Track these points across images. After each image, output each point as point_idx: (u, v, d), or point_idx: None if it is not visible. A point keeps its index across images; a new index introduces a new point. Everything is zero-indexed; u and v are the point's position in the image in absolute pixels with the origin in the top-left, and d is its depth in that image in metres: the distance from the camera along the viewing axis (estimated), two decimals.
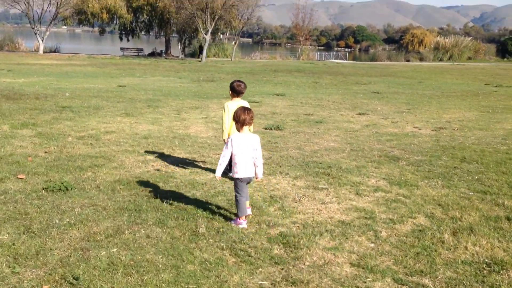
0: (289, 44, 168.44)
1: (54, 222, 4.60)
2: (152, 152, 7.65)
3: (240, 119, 4.68)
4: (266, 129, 10.15)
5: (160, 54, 56.37)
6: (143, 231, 4.45)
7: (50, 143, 7.95)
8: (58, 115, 10.84)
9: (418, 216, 4.97)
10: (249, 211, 4.74)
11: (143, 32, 62.16)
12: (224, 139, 6.24)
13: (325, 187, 5.95)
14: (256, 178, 4.81)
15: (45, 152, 7.37)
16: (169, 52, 57.71)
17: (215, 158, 7.42)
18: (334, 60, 60.54)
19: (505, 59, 76.97)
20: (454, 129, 10.63)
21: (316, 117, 12.08)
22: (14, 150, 7.40)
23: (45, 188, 5.55)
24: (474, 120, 12.10)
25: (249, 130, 4.88)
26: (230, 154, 4.72)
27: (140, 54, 55.80)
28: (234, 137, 4.72)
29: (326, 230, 4.55)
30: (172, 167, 6.83)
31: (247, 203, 4.72)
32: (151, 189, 5.72)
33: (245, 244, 4.24)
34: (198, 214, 4.91)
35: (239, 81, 6.31)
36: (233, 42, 63.96)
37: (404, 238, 4.41)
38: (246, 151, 4.69)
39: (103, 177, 6.17)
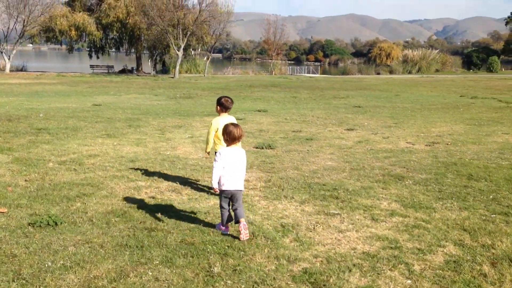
0: (259, 59, 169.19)
1: (46, 265, 4.05)
2: (143, 177, 7.12)
3: (231, 135, 4.79)
4: (257, 148, 9.72)
5: (131, 71, 55.54)
6: (150, 273, 3.94)
7: (30, 170, 7.33)
8: (34, 138, 10.18)
9: (447, 245, 4.61)
10: (243, 224, 4.73)
11: (113, 49, 61.34)
12: (207, 152, 6.45)
13: (337, 213, 5.55)
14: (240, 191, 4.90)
15: (26, 181, 6.75)
16: (140, 68, 56.94)
17: (210, 182, 6.93)
18: (306, 74, 60.78)
19: (471, 70, 78.93)
20: (447, 144, 10.42)
21: (305, 134, 11.73)
22: None
23: (32, 224, 4.97)
24: (464, 134, 11.95)
25: (237, 145, 4.95)
26: (221, 167, 4.78)
27: (110, 71, 54.86)
28: (223, 151, 4.83)
29: (354, 265, 4.13)
30: (167, 193, 6.32)
31: (243, 219, 4.75)
32: (150, 220, 5.21)
33: (268, 285, 3.78)
34: (209, 250, 4.43)
35: (226, 97, 6.30)
36: (205, 58, 63.68)
37: (441, 271, 4.02)
38: (235, 165, 4.81)
39: (94, 207, 5.61)
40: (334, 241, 4.70)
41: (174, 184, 6.79)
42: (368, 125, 13.38)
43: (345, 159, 8.72)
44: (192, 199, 6.05)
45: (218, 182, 4.82)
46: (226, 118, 6.04)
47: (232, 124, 4.96)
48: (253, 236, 4.78)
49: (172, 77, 44.13)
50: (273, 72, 60.69)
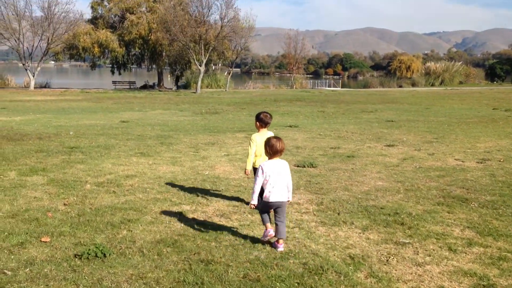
0: (278, 73, 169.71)
1: None
2: (186, 200, 6.70)
3: (274, 148, 4.85)
4: (298, 166, 9.25)
5: (152, 87, 55.81)
6: None
7: (67, 193, 6.97)
8: (67, 157, 9.86)
9: None
10: (280, 247, 4.83)
11: (134, 65, 61.77)
12: (247, 169, 6.28)
13: (407, 242, 5.03)
14: (288, 202, 5.03)
15: (65, 205, 6.39)
16: (161, 84, 57.18)
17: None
18: (327, 88, 60.33)
19: (494, 82, 77.54)
20: (500, 161, 9.82)
21: (344, 150, 11.23)
22: (29, 203, 6.40)
23: (78, 255, 4.56)
24: None
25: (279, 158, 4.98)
26: (262, 182, 4.86)
27: (132, 87, 55.22)
28: (265, 164, 4.89)
29: None
30: (216, 219, 5.88)
31: (282, 241, 4.88)
32: (204, 251, 4.76)
33: None
34: (277, 287, 3.96)
35: (265, 112, 6.27)
36: (226, 73, 63.72)
37: None
38: (279, 176, 4.86)
39: (142, 236, 5.20)
40: (415, 277, 4.19)
41: (221, 207, 6.35)
42: (408, 141, 12.82)
43: (395, 178, 8.19)
44: (244, 226, 5.60)
45: (264, 196, 4.88)
46: (265, 134, 6.01)
47: (275, 137, 5.03)
48: (322, 270, 4.30)
49: (194, 92, 44.09)
50: (294, 86, 60.42)
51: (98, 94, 40.18)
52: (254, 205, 4.92)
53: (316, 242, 5.06)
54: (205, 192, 7.17)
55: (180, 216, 5.95)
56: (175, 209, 6.27)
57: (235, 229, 5.46)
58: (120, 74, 58.11)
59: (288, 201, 5.00)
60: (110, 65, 58.90)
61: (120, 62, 55.47)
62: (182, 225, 5.62)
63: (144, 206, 6.36)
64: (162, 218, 5.84)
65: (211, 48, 45.60)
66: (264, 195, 4.86)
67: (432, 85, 68.46)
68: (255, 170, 5.65)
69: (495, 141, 12.77)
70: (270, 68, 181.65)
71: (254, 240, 5.09)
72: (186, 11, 46.45)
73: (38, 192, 7.03)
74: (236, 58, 53.15)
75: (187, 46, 44.54)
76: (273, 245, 4.89)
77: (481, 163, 9.62)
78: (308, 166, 9.20)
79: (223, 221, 5.78)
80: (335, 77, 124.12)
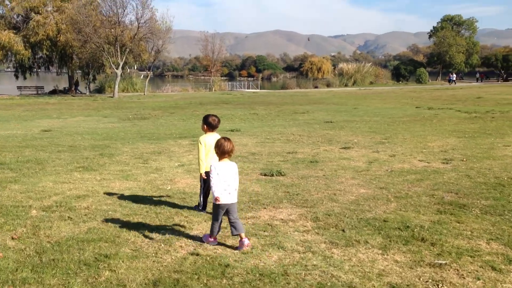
0: (192, 76, 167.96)
1: None
2: (162, 224, 5.71)
3: (222, 149, 4.89)
4: (266, 175, 8.50)
5: (63, 91, 52.36)
6: None
7: (12, 223, 5.70)
8: None
9: None
10: (246, 241, 4.88)
11: (41, 69, 57.67)
12: (201, 173, 6.13)
13: (443, 262, 4.45)
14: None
15: (14, 239, 5.16)
16: (73, 88, 53.82)
17: (252, 222, 5.68)
18: (247, 90, 60.17)
19: (400, 82, 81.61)
20: (463, 160, 9.71)
21: (302, 155, 10.64)
22: None
23: None
24: (466, 148, 11.35)
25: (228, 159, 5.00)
26: (218, 177, 4.84)
27: (40, 92, 51.49)
28: (216, 165, 4.91)
29: None
30: (209, 246, 4.98)
31: (243, 235, 4.92)
32: None
33: None
34: None
35: (213, 115, 6.29)
36: (142, 76, 61.58)
37: None
38: (229, 178, 4.88)
39: (130, 277, 4.18)
40: None
41: (208, 230, 5.44)
42: (360, 142, 12.51)
43: (376, 184, 7.70)
44: (248, 254, 4.74)
45: (215, 199, 4.85)
46: (213, 136, 6.01)
47: (224, 138, 5.05)
48: None
49: (112, 97, 41.82)
50: (213, 89, 59.52)
51: (4, 100, 36.82)
52: (219, 198, 4.82)
53: (342, 270, 4.33)
54: (179, 212, 6.21)
55: (165, 246, 4.98)
56: (154, 236, 5.27)
57: (240, 260, 4.59)
58: (25, 78, 53.93)
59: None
60: (14, 69, 54.54)
61: (26, 65, 51.40)
62: (173, 257, 4.66)
63: (116, 235, 5.29)
64: (144, 250, 4.84)
65: (127, 50, 43.53)
66: (216, 197, 4.80)
67: (346, 85, 70.50)
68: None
69: (443, 139, 12.81)
70: (183, 70, 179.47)
71: (270, 271, 4.27)
72: (99, 10, 44.04)
73: None
74: (154, 60, 51.30)
75: (101, 48, 42.16)
76: (238, 247, 4.86)
77: (447, 163, 9.43)
78: (276, 175, 8.48)
79: (219, 250, 4.89)
80: (249, 79, 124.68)
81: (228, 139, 4.99)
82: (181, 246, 4.97)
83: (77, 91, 52.00)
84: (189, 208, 6.41)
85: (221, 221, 5.01)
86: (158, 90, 57.42)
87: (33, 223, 5.70)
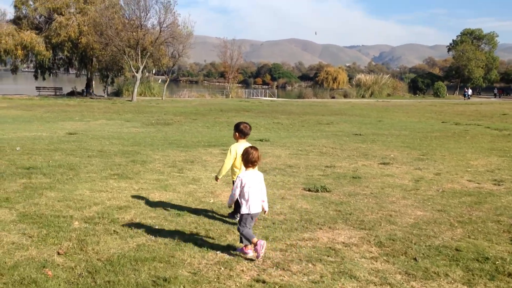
0: (206, 82, 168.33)
1: None
2: (214, 243, 5.31)
3: (249, 158, 4.91)
4: (310, 190, 8.08)
5: (81, 93, 52.42)
6: None
7: (55, 235, 5.34)
8: (28, 181, 8.06)
9: None
10: (263, 242, 4.83)
11: (61, 70, 57.86)
12: (218, 178, 6.17)
13: None
14: (264, 212, 5.19)
15: (60, 254, 4.79)
16: (91, 91, 53.88)
17: (311, 245, 5.26)
18: (264, 98, 59.90)
19: (417, 95, 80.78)
20: None
21: (342, 169, 10.21)
22: (11, 254, 4.74)
23: None
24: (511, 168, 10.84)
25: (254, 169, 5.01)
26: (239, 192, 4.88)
27: (58, 93, 51.64)
28: (243, 175, 4.91)
29: None
30: (273, 272, 4.56)
31: (254, 239, 4.84)
32: None
33: None
34: None
35: (245, 123, 6.27)
36: (160, 81, 61.69)
37: None
38: (256, 188, 4.90)
39: None
40: None
41: (270, 254, 5.02)
42: (397, 158, 12.04)
43: (432, 206, 7.23)
44: (320, 284, 4.32)
45: (241, 207, 4.93)
46: (244, 145, 5.89)
47: (251, 147, 5.08)
48: None
49: (130, 101, 41.74)
50: (230, 96, 59.31)
51: (24, 101, 36.85)
52: (230, 205, 5.27)
53: None
54: (230, 230, 5.80)
55: (225, 270, 4.57)
56: (210, 257, 4.87)
57: (310, 287, 4.17)
58: (44, 79, 54.12)
59: (264, 211, 5.15)
60: (33, 69, 54.76)
61: (46, 66, 51.59)
62: (237, 283, 4.26)
63: (169, 254, 4.90)
64: (204, 274, 4.44)
65: (148, 54, 43.48)
66: (246, 206, 4.85)
67: (363, 96, 69.86)
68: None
69: (484, 158, 12.29)
70: (198, 76, 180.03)
71: None
72: (122, 13, 44.10)
73: (13, 235, 5.34)
74: (173, 65, 51.21)
75: (122, 51, 42.14)
76: (257, 255, 4.82)
77: (498, 185, 8.93)
78: (321, 191, 8.05)
79: (286, 277, 4.47)
80: (264, 86, 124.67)
81: (256, 148, 5.00)
82: (242, 271, 4.57)
83: (88, 93, 51.82)
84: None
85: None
86: (175, 95, 57.36)
87: (78, 236, 5.33)
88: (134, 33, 41.57)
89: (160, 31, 42.66)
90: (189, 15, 51.79)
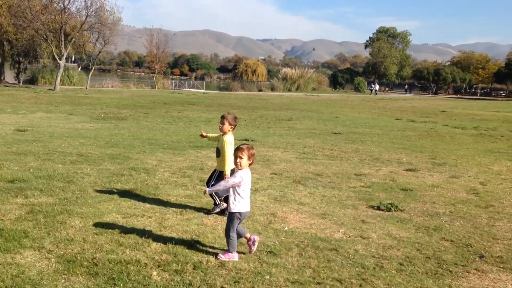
0: (120, 71, 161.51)
1: None
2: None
3: (255, 157, 4.75)
4: (379, 209, 6.81)
5: None
6: None
7: None
8: (25, 201, 6.06)
9: None
10: (256, 237, 4.80)
11: None
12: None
13: None
14: None
15: None
16: (2, 78, 48.74)
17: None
18: (194, 90, 57.93)
19: (337, 89, 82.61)
20: None
21: (375, 179, 9.04)
22: None
23: None
24: None
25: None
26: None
27: None
28: (245, 174, 4.67)
29: None
30: None
31: (247, 235, 4.79)
32: None
33: None
34: None
35: (233, 115, 6.31)
36: (80, 69, 57.49)
37: None
38: (249, 186, 4.76)
39: None
40: None
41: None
42: (413, 162, 11.12)
43: None
44: None
45: (233, 204, 4.68)
46: (232, 138, 6.19)
47: (247, 144, 4.80)
48: None
49: (53, 90, 37.96)
50: (156, 86, 56.57)
51: None
52: (206, 191, 4.91)
53: None
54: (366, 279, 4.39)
55: None
56: None
57: None
58: None
59: None
60: None
61: None
62: None
63: None
64: None
65: (73, 40, 39.87)
66: (242, 204, 4.67)
67: (289, 90, 69.93)
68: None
69: (498, 162, 11.71)
70: (111, 64, 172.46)
71: None
72: None
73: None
74: (99, 53, 47.57)
75: (44, 35, 38.22)
76: (250, 250, 4.79)
77: None
78: (394, 210, 6.82)
79: None
80: (182, 77, 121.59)
81: (250, 145, 4.78)
82: None
83: (19, 81, 47.01)
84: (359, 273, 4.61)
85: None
86: (98, 84, 53.50)
87: None
88: (57, 17, 37.76)
89: (87, 15, 39.19)
90: (116, 0, 48.02)
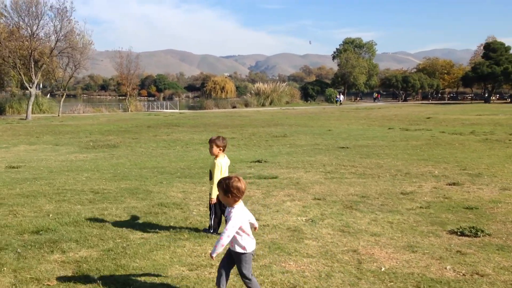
0: (85, 95, 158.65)
1: None
2: None
3: (241, 191, 3.94)
4: (463, 235, 6.04)
5: None
6: None
7: None
8: (65, 257, 5.04)
9: None
10: None
11: None
12: (213, 198, 5.89)
13: None
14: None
15: None
16: None
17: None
18: (168, 110, 56.75)
19: (308, 101, 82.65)
20: None
21: (427, 197, 8.30)
22: None
23: None
24: None
25: None
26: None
27: None
28: (240, 209, 3.98)
29: None
30: None
31: None
32: None
33: None
34: None
35: (221, 136, 6.08)
36: (48, 96, 55.67)
37: None
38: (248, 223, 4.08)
39: None
40: None
41: None
42: (448, 175, 10.47)
43: None
44: None
45: (248, 247, 3.96)
46: (225, 159, 6.02)
47: (236, 177, 4.00)
48: None
49: (25, 119, 36.26)
50: (129, 109, 55.16)
51: None
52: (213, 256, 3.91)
53: None
54: None
55: None
56: None
57: None
58: None
59: None
60: None
61: None
62: None
63: None
64: None
65: (43, 66, 38.32)
66: (249, 242, 3.98)
67: (263, 105, 69.39)
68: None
69: None
70: (76, 90, 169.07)
71: None
72: (7, 20, 38.37)
73: None
74: (70, 78, 45.98)
75: (12, 63, 36.59)
76: None
77: None
78: (481, 235, 6.05)
79: None
80: (150, 98, 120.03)
81: (240, 178, 4.04)
82: None
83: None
84: None
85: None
86: (69, 110, 51.72)
87: None
88: (25, 43, 36.20)
89: (57, 40, 37.73)
90: (85, 23, 46.77)
